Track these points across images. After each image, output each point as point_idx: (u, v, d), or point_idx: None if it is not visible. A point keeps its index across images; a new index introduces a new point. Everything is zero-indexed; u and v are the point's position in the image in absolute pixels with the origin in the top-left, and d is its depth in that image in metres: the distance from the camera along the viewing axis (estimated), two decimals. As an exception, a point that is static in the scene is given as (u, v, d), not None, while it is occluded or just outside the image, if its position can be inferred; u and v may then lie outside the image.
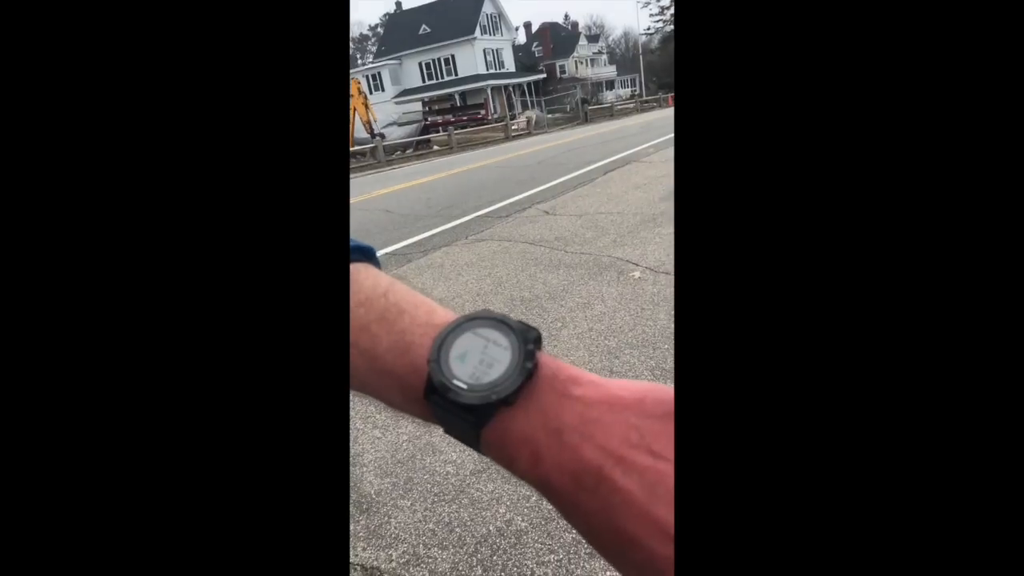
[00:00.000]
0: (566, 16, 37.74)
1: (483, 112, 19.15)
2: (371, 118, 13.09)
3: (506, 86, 25.20)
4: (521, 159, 7.79)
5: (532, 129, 15.33)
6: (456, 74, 24.74)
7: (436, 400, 0.23)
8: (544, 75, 28.78)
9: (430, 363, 0.23)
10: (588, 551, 1.06)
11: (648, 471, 0.18)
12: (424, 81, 25.28)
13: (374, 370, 0.24)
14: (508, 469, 0.22)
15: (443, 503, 1.23)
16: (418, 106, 20.41)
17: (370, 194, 6.07)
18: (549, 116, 19.78)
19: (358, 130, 12.87)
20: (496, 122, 17.10)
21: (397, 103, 22.74)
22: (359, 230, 4.08)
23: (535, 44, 33.71)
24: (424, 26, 25.29)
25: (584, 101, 22.96)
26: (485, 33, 24.66)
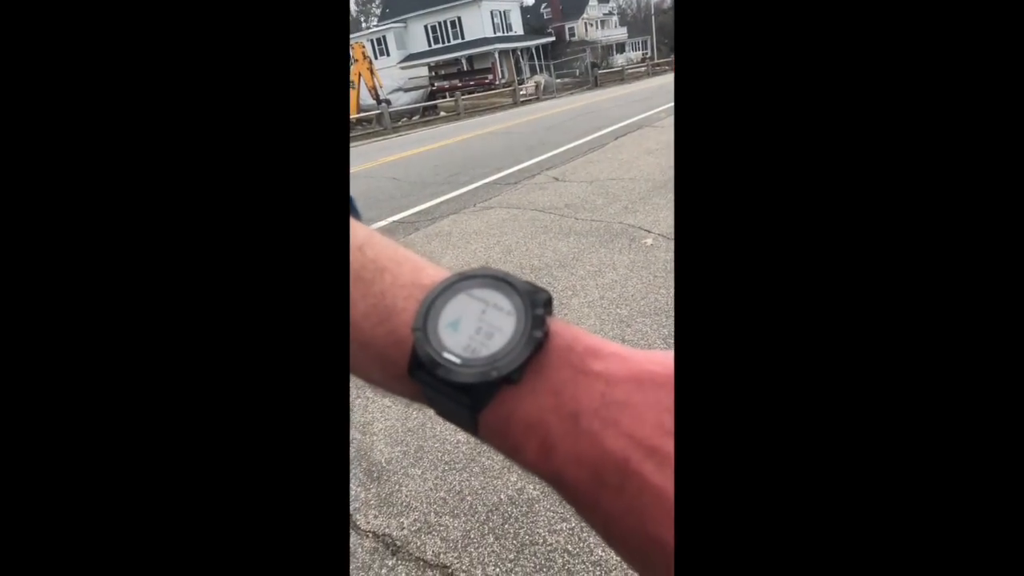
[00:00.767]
0: (576, -26, 36.19)
1: (491, 77, 18.72)
2: (376, 84, 12.80)
3: (514, 50, 24.50)
4: (530, 124, 7.61)
5: (541, 94, 14.94)
6: (463, 37, 24.05)
7: (423, 377, 0.18)
8: (553, 38, 27.90)
9: (415, 332, 0.18)
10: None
11: None
12: (430, 45, 24.61)
13: (350, 341, 0.19)
14: (511, 459, 0.18)
15: (454, 471, 1.22)
16: (424, 71, 19.95)
17: (376, 161, 5.98)
18: (558, 80, 19.28)
19: (364, 97, 12.61)
20: (504, 87, 16.73)
21: (403, 68, 22.23)
22: (365, 198, 4.02)
23: (543, 6, 32.46)
24: (429, -14, 24.43)
25: (594, 65, 22.26)
26: (492, -7, 23.79)
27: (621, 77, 17.81)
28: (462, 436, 1.33)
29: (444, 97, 14.92)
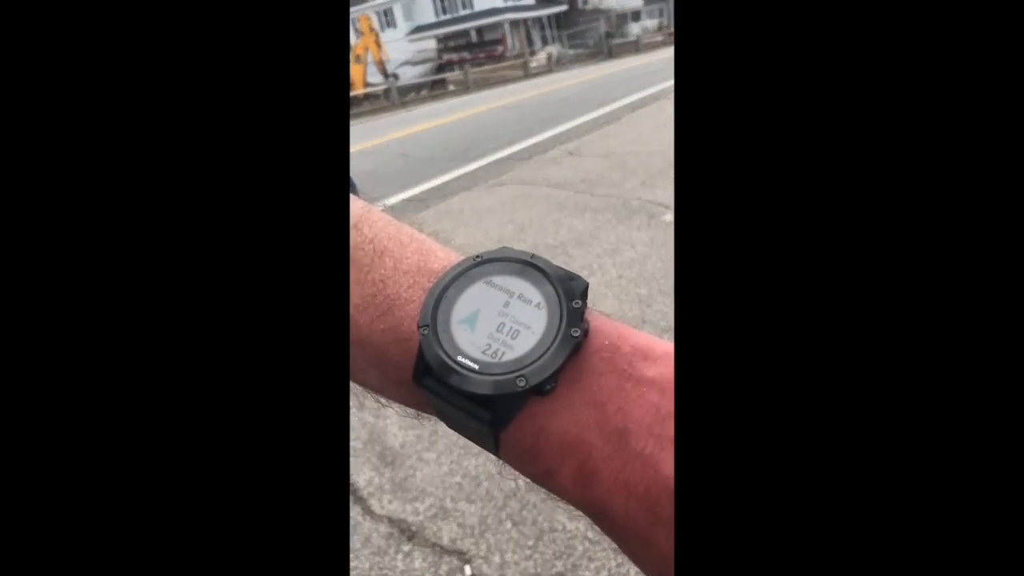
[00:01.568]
0: (590, -62, 34.88)
1: (501, 48, 18.33)
2: (384, 58, 12.58)
3: (525, 20, 23.87)
4: (542, 97, 7.43)
5: (553, 66, 14.58)
6: (472, 8, 23.48)
7: (431, 385, 0.15)
8: (565, 7, 27.11)
9: (421, 330, 0.15)
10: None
11: None
12: (438, 16, 24.09)
13: None
14: (542, 485, 0.15)
15: (470, 456, 1.20)
16: (432, 43, 19.60)
17: (384, 137, 5.90)
18: (571, 51, 18.80)
19: (371, 72, 12.41)
20: (515, 59, 16.36)
21: (411, 40, 21.86)
22: (373, 175, 3.97)
23: (555, -28, 31.46)
24: (437, -46, 23.77)
25: (608, 35, 21.64)
26: (502, -40, 23.08)
27: (636, 47, 17.30)
28: (477, 419, 1.31)
29: (453, 70, 14.66)
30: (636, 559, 0.14)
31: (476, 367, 0.15)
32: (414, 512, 1.08)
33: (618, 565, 0.93)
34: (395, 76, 12.67)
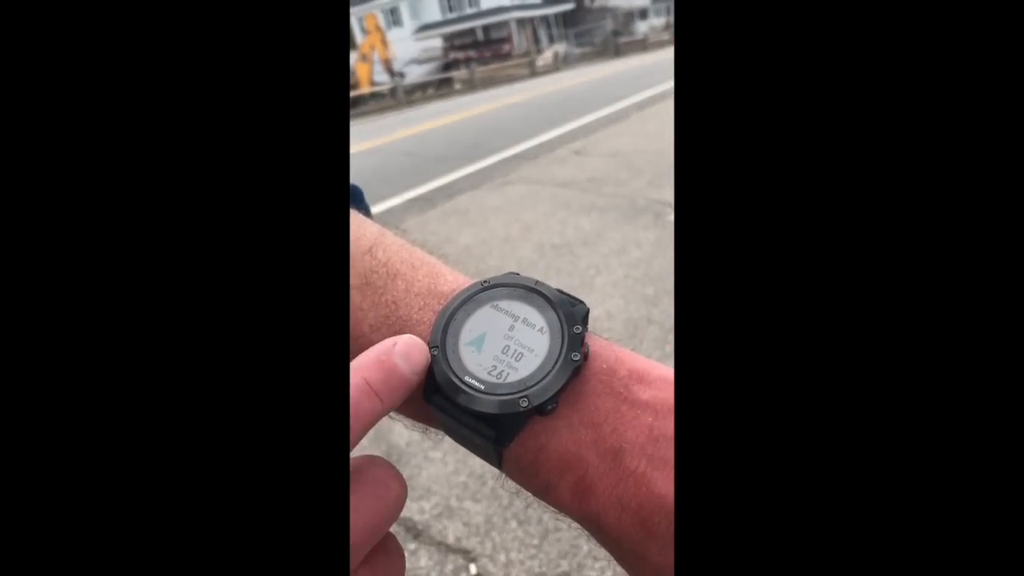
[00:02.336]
0: (597, -64, 34.68)
1: (507, 47, 18.29)
2: (390, 56, 12.60)
3: (531, 18, 23.81)
4: (548, 96, 7.42)
5: (559, 64, 14.55)
6: (478, 6, 23.45)
7: (440, 403, 0.16)
8: (572, 5, 27.02)
9: (432, 351, 0.16)
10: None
11: None
12: (444, 14, 24.09)
13: (356, 355, 0.16)
14: (541, 499, 0.16)
15: (475, 456, 1.20)
16: (439, 42, 19.60)
17: (390, 136, 5.91)
18: (577, 50, 18.74)
19: (377, 70, 12.44)
20: (521, 57, 16.32)
21: (417, 39, 21.86)
22: (380, 174, 3.98)
23: (562, -30, 31.35)
24: (443, -48, 23.75)
25: (615, 33, 21.53)
26: (509, -42, 23.02)
27: (643, 46, 17.23)
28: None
29: (459, 68, 14.66)
30: (631, 571, 0.15)
31: (482, 387, 0.16)
32: (420, 511, 1.09)
33: (623, 565, 0.93)
34: (401, 74, 12.69)
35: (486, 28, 23.09)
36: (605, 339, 0.17)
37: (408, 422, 0.18)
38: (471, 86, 11.76)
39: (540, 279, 0.17)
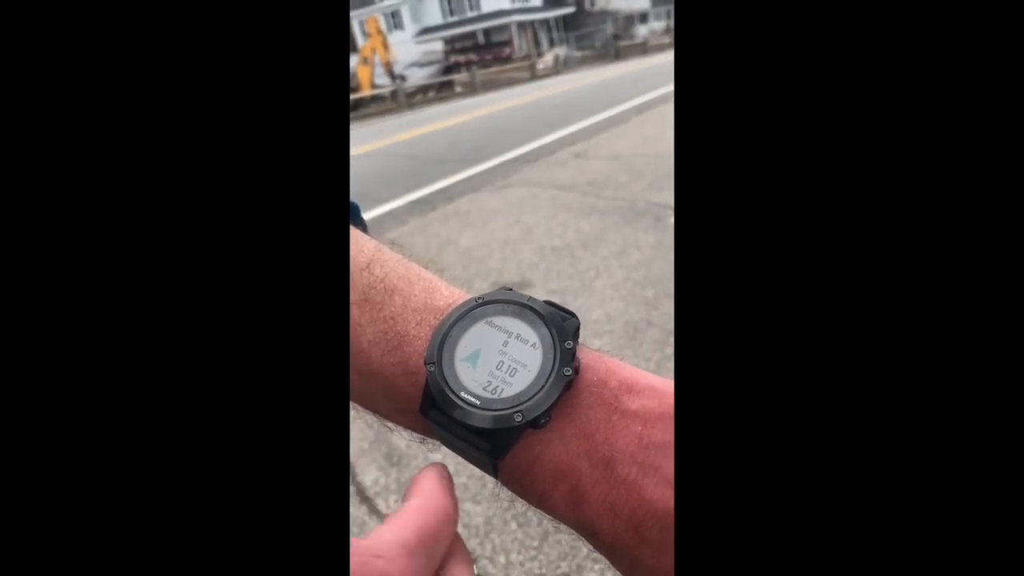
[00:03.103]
0: (597, -60, 34.73)
1: (508, 50, 18.32)
2: (391, 59, 12.63)
3: (532, 22, 23.85)
4: (549, 99, 7.43)
5: (560, 67, 14.57)
6: (479, 9, 23.50)
7: (437, 417, 0.16)
8: (573, 9, 27.07)
9: (428, 367, 0.16)
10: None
11: None
12: (445, 18, 24.13)
13: (355, 369, 0.17)
14: (537, 508, 0.16)
15: (475, 457, 1.20)
16: (439, 45, 19.62)
17: (391, 139, 5.92)
18: (578, 53, 18.76)
19: (378, 73, 12.46)
20: (522, 60, 16.36)
21: (418, 42, 21.89)
22: (380, 177, 3.99)
23: (563, -27, 31.38)
24: (444, -44, 23.80)
25: (615, 36, 21.57)
26: (509, -38, 23.07)
27: (644, 49, 17.26)
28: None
29: (460, 72, 14.68)
30: (623, 573, 0.16)
31: (478, 403, 0.16)
32: (420, 512, 1.09)
33: (623, 567, 0.93)
34: (402, 78, 12.71)
35: (487, 31, 23.12)
36: (596, 350, 0.17)
37: (406, 433, 0.19)
38: (472, 89, 11.78)
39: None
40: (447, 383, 0.16)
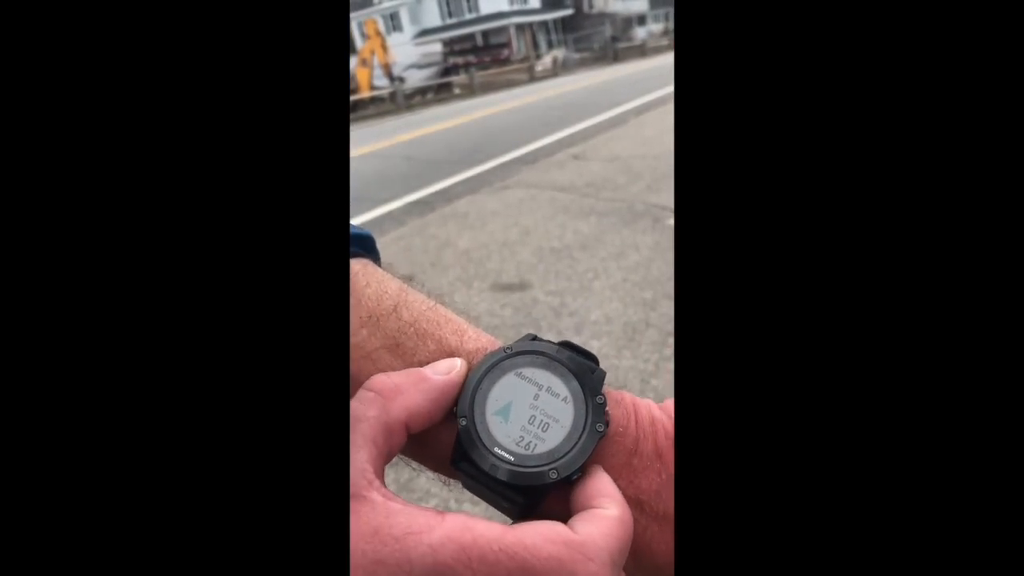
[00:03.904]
0: (596, -58, 34.78)
1: (506, 52, 18.35)
2: (389, 61, 12.63)
3: (531, 24, 23.89)
4: (547, 101, 7.44)
5: (558, 69, 14.59)
6: (478, 11, 23.54)
7: (468, 470, 0.16)
8: (571, 11, 27.13)
9: (460, 420, 0.16)
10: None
11: None
12: (444, 20, 24.16)
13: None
14: None
15: (474, 458, 1.20)
16: (438, 47, 19.63)
17: (390, 140, 5.92)
18: (576, 55, 18.80)
19: (377, 75, 12.47)
20: (520, 62, 16.38)
21: (416, 44, 21.91)
22: (379, 178, 3.99)
23: (561, -24, 31.42)
24: (443, -42, 23.83)
25: (614, 39, 21.61)
26: (508, -36, 23.10)
27: (642, 51, 17.29)
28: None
29: (458, 73, 14.69)
30: None
31: (512, 459, 0.16)
32: (419, 513, 1.09)
33: (622, 568, 0.93)
34: (401, 79, 12.70)
35: (485, 33, 23.15)
36: (615, 391, 0.18)
37: (432, 475, 0.19)
38: (470, 91, 11.79)
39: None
40: (479, 438, 0.17)
